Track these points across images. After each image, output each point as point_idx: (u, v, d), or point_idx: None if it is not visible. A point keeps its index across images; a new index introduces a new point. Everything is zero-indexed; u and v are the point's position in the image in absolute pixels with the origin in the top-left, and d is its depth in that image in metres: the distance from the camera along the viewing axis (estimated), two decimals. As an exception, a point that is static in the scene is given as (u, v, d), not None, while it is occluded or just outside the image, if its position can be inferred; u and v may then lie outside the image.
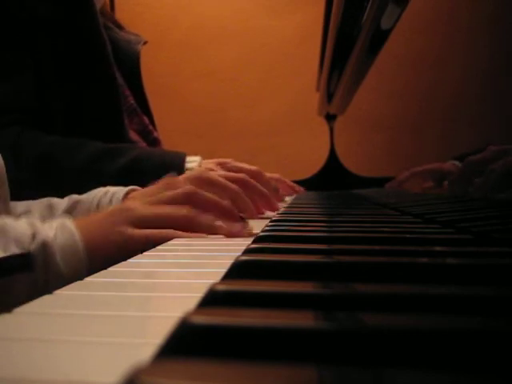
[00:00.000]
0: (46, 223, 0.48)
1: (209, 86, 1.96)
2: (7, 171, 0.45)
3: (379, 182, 1.49)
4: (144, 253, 0.38)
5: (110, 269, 0.31)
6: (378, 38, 0.75)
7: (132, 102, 0.95)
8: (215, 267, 0.30)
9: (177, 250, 0.40)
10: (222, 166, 0.79)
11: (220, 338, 0.15)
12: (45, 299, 0.23)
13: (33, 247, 0.45)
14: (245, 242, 0.37)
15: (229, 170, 0.71)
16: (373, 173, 1.53)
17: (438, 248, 0.32)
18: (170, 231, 0.47)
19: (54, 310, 0.22)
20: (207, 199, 0.50)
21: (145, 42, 1.05)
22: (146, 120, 0.99)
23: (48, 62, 0.76)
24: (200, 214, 0.48)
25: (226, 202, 0.51)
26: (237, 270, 0.25)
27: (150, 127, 0.99)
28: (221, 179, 0.56)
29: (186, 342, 0.15)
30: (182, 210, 0.49)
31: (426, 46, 1.83)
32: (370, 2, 0.62)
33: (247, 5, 1.96)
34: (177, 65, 1.96)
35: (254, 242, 0.35)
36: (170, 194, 0.51)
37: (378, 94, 1.80)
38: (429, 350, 0.14)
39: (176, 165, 0.71)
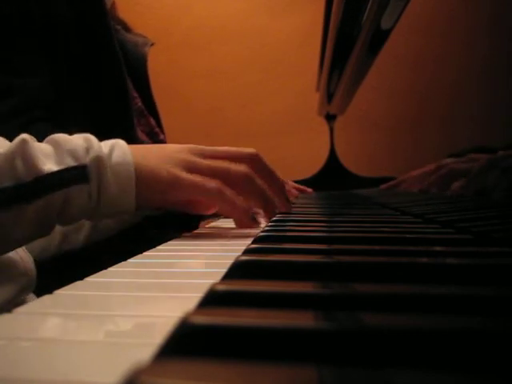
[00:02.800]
0: (102, 142, 0.48)
1: (208, 86, 1.96)
2: None
3: (379, 182, 1.48)
4: (144, 253, 0.38)
5: (110, 269, 0.31)
6: (378, 38, 0.75)
7: (139, 104, 0.95)
8: (215, 267, 0.30)
9: (177, 250, 0.40)
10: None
11: (220, 338, 0.15)
12: (45, 299, 0.23)
13: (87, 160, 0.45)
14: (245, 242, 0.37)
15: None
16: (373, 173, 1.53)
17: (437, 248, 0.32)
18: (219, 183, 0.48)
19: (54, 310, 0.22)
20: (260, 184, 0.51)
21: (152, 44, 1.05)
22: (153, 121, 0.98)
23: (61, 61, 0.77)
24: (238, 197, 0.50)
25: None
26: (237, 270, 0.25)
27: (157, 129, 0.99)
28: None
29: (186, 342, 0.15)
30: (240, 168, 0.50)
31: (425, 45, 1.83)
32: (370, 2, 0.62)
33: (247, 5, 1.96)
34: (177, 65, 1.96)
35: (253, 241, 0.35)
36: (232, 150, 0.52)
37: (377, 93, 1.80)
38: (429, 349, 0.14)
39: None
